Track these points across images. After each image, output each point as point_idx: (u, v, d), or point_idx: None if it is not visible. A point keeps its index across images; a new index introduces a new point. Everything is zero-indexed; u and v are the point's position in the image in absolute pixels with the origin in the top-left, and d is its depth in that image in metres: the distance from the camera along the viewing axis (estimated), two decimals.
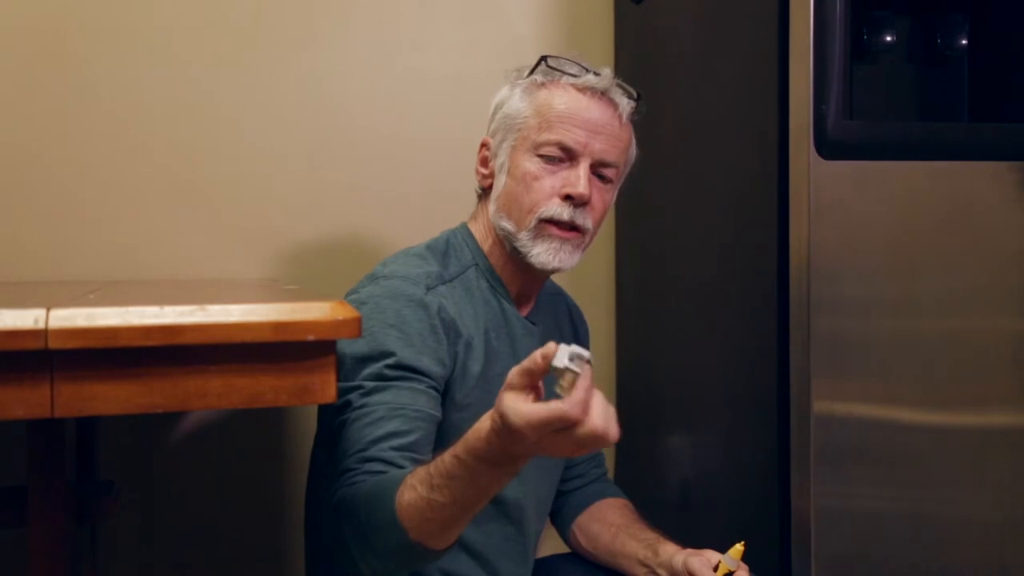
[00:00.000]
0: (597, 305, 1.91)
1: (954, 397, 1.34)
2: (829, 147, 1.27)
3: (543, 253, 1.25)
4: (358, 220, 1.82)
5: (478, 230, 1.33)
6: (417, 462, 1.08)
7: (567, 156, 1.25)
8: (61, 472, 1.05)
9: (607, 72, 1.29)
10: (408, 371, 1.16)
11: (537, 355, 0.89)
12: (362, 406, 1.14)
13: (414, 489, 1.00)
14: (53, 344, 0.79)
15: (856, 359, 1.30)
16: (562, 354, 0.88)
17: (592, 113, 1.26)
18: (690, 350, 1.63)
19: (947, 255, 1.32)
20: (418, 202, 1.82)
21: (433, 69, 1.85)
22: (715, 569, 1.22)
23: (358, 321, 0.89)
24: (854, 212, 1.29)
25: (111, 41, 1.73)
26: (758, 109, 1.37)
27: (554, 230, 1.25)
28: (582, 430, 0.87)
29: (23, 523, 1.05)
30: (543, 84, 1.29)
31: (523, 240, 1.26)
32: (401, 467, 1.09)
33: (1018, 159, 1.34)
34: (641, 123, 1.35)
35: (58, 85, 1.71)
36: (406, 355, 1.16)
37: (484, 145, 1.33)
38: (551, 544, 1.51)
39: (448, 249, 1.31)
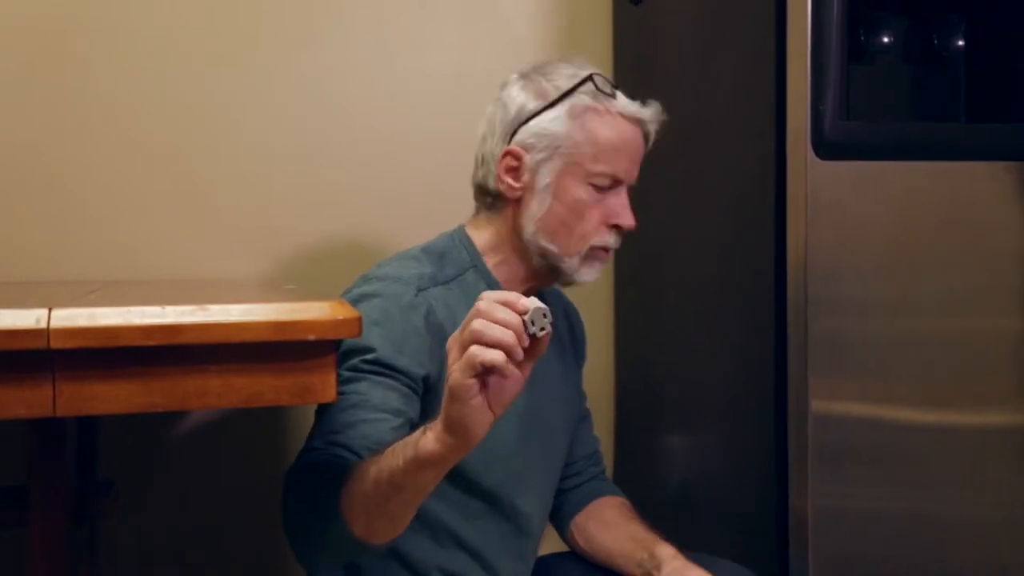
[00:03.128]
0: (596, 304, 1.91)
1: (952, 397, 1.34)
2: (826, 147, 1.27)
3: (588, 273, 1.31)
4: (358, 220, 1.82)
5: (482, 236, 1.33)
6: (376, 455, 1.08)
7: (613, 183, 1.29)
8: (61, 472, 1.06)
9: (656, 106, 1.31)
10: (384, 367, 1.16)
11: None
12: (343, 393, 1.14)
13: (357, 476, 1.01)
14: (55, 344, 0.80)
15: (854, 359, 1.30)
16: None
17: (637, 143, 1.30)
18: (688, 350, 1.64)
19: (944, 255, 1.33)
20: (418, 202, 1.82)
21: (433, 69, 1.85)
22: None
23: (358, 320, 0.89)
24: (851, 212, 1.29)
25: (111, 41, 1.73)
26: (756, 110, 1.37)
27: (601, 254, 1.31)
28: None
29: (23, 523, 1.06)
30: (593, 109, 1.27)
31: (570, 263, 1.29)
32: (361, 457, 1.09)
33: (1015, 159, 1.34)
34: None
35: (58, 85, 1.71)
36: (385, 352, 1.17)
37: (511, 155, 1.29)
38: (550, 543, 1.51)
39: (445, 252, 1.31)
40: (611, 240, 1.30)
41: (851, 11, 1.28)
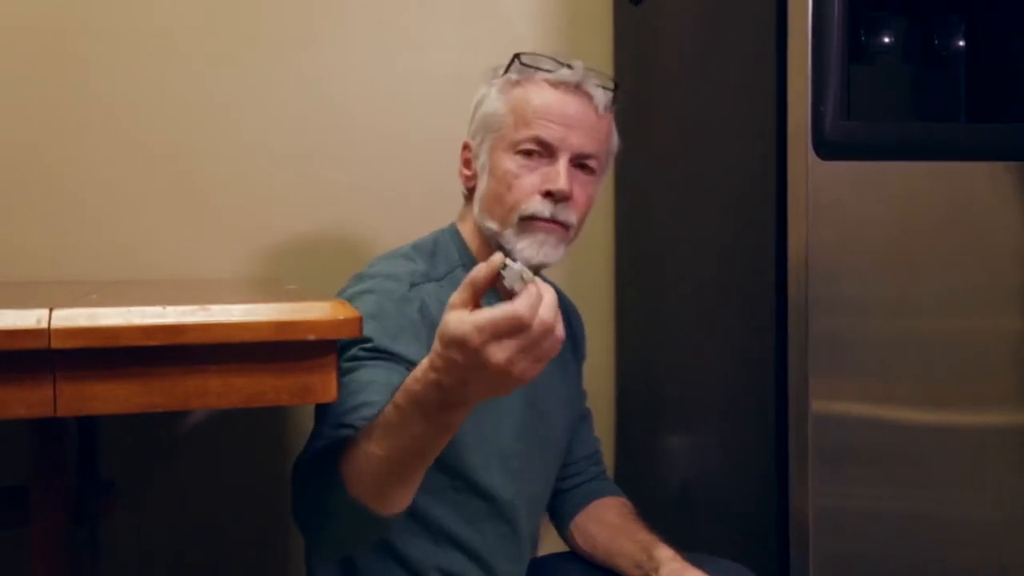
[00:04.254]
0: (597, 305, 1.91)
1: (952, 397, 1.34)
2: (827, 147, 1.27)
3: (527, 248, 1.26)
4: (358, 220, 1.82)
5: (466, 231, 1.34)
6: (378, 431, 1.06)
7: (546, 151, 1.26)
8: (62, 472, 1.06)
9: (579, 64, 1.30)
10: (383, 353, 1.17)
11: (482, 265, 0.88)
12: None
13: (356, 442, 1.00)
14: (55, 344, 0.80)
15: (854, 359, 1.30)
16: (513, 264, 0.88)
17: (567, 107, 1.27)
18: (689, 350, 1.64)
19: (945, 255, 1.33)
20: (418, 202, 1.82)
21: (433, 69, 1.85)
22: None
23: (358, 320, 0.89)
24: (852, 212, 1.29)
25: (111, 41, 1.73)
26: (757, 110, 1.37)
27: (540, 225, 1.26)
28: (531, 334, 0.85)
29: (24, 523, 1.06)
30: (518, 82, 1.30)
31: (508, 238, 1.26)
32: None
33: (1015, 159, 1.34)
34: (640, 123, 1.36)
35: (58, 85, 1.71)
36: (382, 341, 1.17)
37: (466, 147, 1.34)
38: (551, 543, 1.51)
39: (436, 249, 1.32)
40: (544, 209, 1.25)
41: (851, 11, 1.28)
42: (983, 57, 1.46)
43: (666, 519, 1.47)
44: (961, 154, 1.34)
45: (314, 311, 0.87)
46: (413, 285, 1.24)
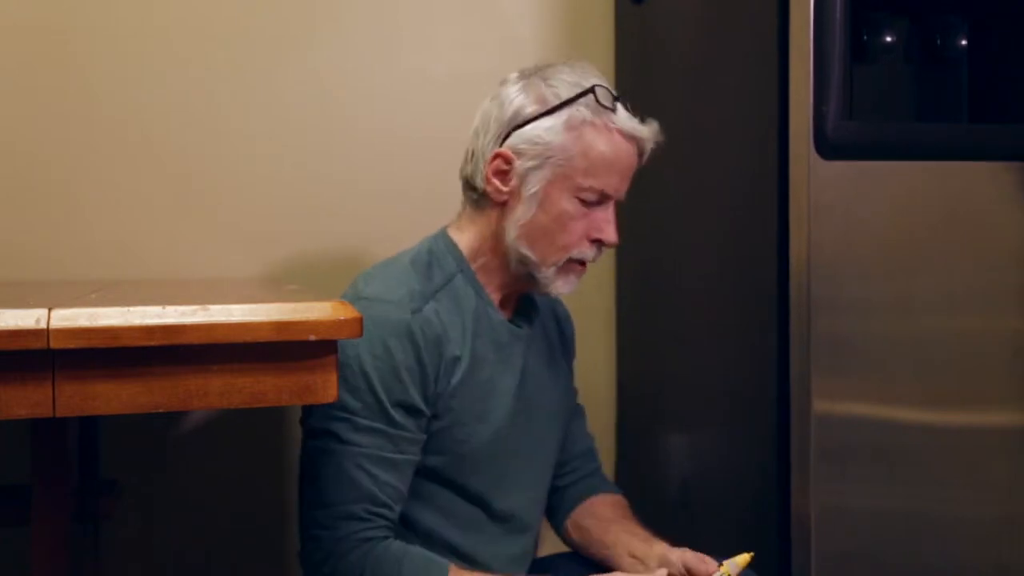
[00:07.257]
0: (597, 305, 1.91)
1: (952, 396, 1.34)
2: (829, 147, 1.27)
3: (562, 286, 1.29)
4: (358, 220, 1.82)
5: (465, 238, 1.31)
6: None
7: (601, 199, 1.27)
8: (64, 471, 1.06)
9: (655, 126, 1.29)
10: (399, 408, 1.20)
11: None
12: (355, 444, 1.19)
13: None
14: (55, 344, 0.80)
15: (856, 359, 1.30)
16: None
17: (630, 160, 1.28)
18: (690, 350, 1.64)
19: (946, 255, 1.33)
20: (418, 202, 1.82)
21: (433, 69, 1.85)
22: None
23: (359, 321, 0.89)
24: (854, 212, 1.30)
25: (111, 41, 1.73)
26: (758, 110, 1.37)
27: (577, 267, 1.29)
28: None
29: (26, 521, 1.06)
30: (591, 123, 1.25)
31: (546, 273, 1.28)
32: (395, 521, 1.21)
33: (1016, 159, 1.35)
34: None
35: (58, 85, 1.71)
36: (394, 393, 1.20)
37: (502, 157, 1.27)
38: (551, 544, 1.51)
39: (431, 260, 1.29)
40: (590, 254, 1.28)
41: (853, 11, 1.28)
42: (984, 57, 1.46)
43: (666, 519, 1.47)
44: (962, 154, 1.34)
45: (315, 311, 0.87)
46: (414, 312, 1.23)
